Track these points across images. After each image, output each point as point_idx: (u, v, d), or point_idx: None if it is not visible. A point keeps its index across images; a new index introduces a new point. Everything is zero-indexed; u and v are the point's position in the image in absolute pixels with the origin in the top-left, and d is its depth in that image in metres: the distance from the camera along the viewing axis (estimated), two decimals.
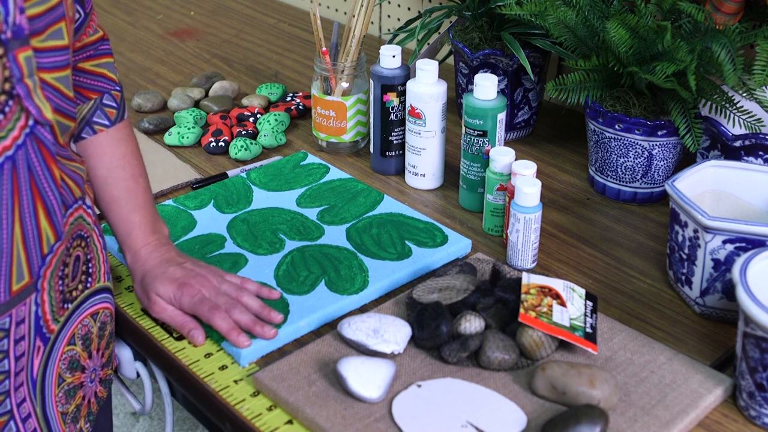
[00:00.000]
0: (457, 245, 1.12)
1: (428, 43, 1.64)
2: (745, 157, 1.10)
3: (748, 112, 1.10)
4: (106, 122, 0.99)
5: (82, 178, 0.91)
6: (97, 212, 1.00)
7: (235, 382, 0.92)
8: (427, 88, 1.21)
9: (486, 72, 1.35)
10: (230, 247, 1.12)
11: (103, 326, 0.97)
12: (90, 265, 0.94)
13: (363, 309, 1.03)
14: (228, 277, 1.00)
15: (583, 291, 0.98)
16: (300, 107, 1.49)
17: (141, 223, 1.01)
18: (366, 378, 0.87)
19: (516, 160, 1.12)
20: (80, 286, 0.92)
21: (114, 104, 1.00)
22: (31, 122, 0.80)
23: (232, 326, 0.95)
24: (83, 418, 0.95)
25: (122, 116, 1.01)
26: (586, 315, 0.95)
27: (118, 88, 1.01)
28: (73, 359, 0.92)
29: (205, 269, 1.00)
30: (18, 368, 0.85)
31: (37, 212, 0.82)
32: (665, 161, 1.20)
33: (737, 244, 0.96)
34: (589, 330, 0.93)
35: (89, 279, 0.94)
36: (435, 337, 0.92)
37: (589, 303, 0.97)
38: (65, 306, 0.90)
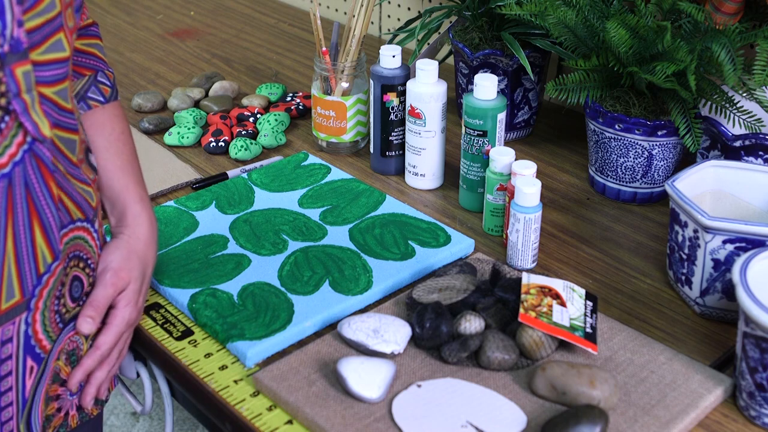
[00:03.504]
0: (461, 245, 1.12)
1: (428, 43, 1.64)
2: (745, 157, 1.10)
3: (748, 112, 1.10)
4: (101, 99, 0.99)
5: (88, 202, 0.90)
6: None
7: (235, 382, 0.92)
8: (427, 88, 1.21)
9: (486, 72, 1.35)
10: (233, 248, 1.12)
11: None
12: (92, 290, 0.93)
13: (367, 309, 1.03)
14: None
15: (583, 291, 0.98)
16: (300, 107, 1.49)
17: (145, 200, 0.99)
18: (366, 378, 0.87)
19: (516, 160, 1.12)
20: (78, 307, 0.91)
21: (108, 83, 1.00)
22: (29, 139, 0.78)
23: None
24: (52, 428, 0.92)
25: (116, 96, 1.01)
26: (586, 315, 0.95)
27: (110, 69, 1.01)
28: (56, 373, 0.90)
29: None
30: (4, 388, 0.83)
31: (33, 230, 0.80)
32: (665, 161, 1.20)
33: (737, 244, 0.96)
34: (589, 330, 0.93)
35: (84, 299, 0.92)
36: (435, 337, 0.92)
37: (589, 303, 0.97)
38: (62, 327, 0.88)
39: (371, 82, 1.28)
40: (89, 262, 0.91)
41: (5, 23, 0.73)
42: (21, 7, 0.74)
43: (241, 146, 1.35)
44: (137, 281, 0.95)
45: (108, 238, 0.98)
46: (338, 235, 1.14)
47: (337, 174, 1.29)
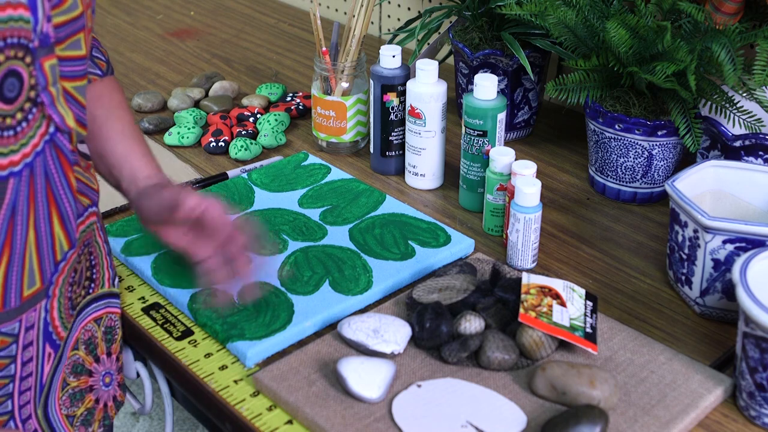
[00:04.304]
0: (460, 245, 1.12)
1: (428, 43, 1.64)
2: (745, 157, 1.10)
3: (748, 112, 1.10)
4: (99, 72, 1.01)
5: (90, 186, 0.92)
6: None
7: (235, 382, 0.92)
8: (427, 88, 1.21)
9: (486, 72, 1.35)
10: None
11: (109, 330, 0.97)
12: (94, 270, 0.94)
13: (367, 309, 1.03)
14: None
15: (583, 291, 0.98)
16: (300, 107, 1.49)
17: (150, 156, 1.02)
18: (366, 378, 0.87)
19: (516, 160, 1.12)
20: (83, 292, 0.92)
21: (103, 57, 1.02)
22: (51, 129, 0.80)
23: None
24: (97, 422, 0.95)
25: (112, 71, 1.03)
26: (586, 315, 0.95)
27: (103, 46, 1.03)
28: (77, 363, 0.92)
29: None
30: (25, 373, 0.85)
31: (51, 219, 0.82)
32: (665, 161, 1.20)
33: (737, 244, 0.96)
34: (589, 330, 0.93)
35: (92, 285, 0.94)
36: (435, 337, 0.92)
37: (589, 303, 0.97)
38: (72, 312, 0.90)
39: (371, 82, 1.27)
40: (91, 249, 0.93)
41: (37, 19, 0.75)
42: (50, 3, 0.76)
43: (241, 146, 1.35)
44: (193, 193, 0.98)
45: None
46: (338, 235, 1.14)
47: (337, 174, 1.29)
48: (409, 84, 1.23)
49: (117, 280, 1.00)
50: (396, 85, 1.26)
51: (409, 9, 1.79)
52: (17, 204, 0.78)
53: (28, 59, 0.75)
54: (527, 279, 0.97)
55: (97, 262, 0.95)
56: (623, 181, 1.23)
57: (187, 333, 0.99)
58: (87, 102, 0.98)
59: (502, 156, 1.13)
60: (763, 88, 1.11)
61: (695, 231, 0.98)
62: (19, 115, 0.76)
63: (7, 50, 0.73)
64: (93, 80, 1.00)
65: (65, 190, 0.83)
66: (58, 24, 0.78)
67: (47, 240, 0.82)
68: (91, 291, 0.94)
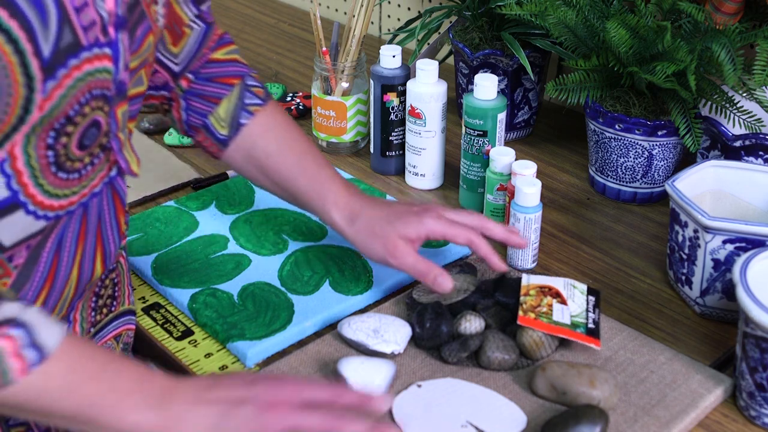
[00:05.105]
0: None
1: (428, 43, 1.64)
2: (745, 157, 1.10)
3: (748, 112, 1.10)
4: (259, 101, 0.99)
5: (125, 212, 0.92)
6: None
7: None
8: (427, 88, 1.21)
9: (486, 72, 1.35)
10: (233, 248, 1.12)
11: (126, 347, 0.97)
12: (116, 289, 0.94)
13: (367, 309, 1.03)
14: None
15: (584, 286, 0.98)
16: (300, 107, 1.50)
17: (336, 176, 1.01)
18: (366, 378, 0.87)
19: (516, 160, 1.12)
20: (105, 310, 0.92)
21: (258, 84, 1.01)
22: (113, 173, 0.80)
23: None
24: None
25: (269, 94, 1.02)
26: (588, 310, 0.95)
27: (253, 70, 1.02)
28: None
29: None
30: None
31: (95, 257, 0.82)
32: (665, 161, 1.20)
33: (737, 244, 0.96)
34: (591, 325, 0.93)
35: (114, 303, 0.94)
36: (435, 337, 0.92)
37: (591, 298, 0.97)
38: (89, 330, 0.90)
39: (371, 82, 1.28)
40: (116, 269, 0.92)
41: (118, 68, 0.74)
42: (129, 51, 0.76)
43: None
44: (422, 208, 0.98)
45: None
46: (338, 235, 1.14)
47: None
48: (409, 84, 1.23)
49: (133, 296, 1.00)
50: (396, 85, 1.26)
51: (409, 9, 1.79)
52: (64, 240, 0.77)
53: (106, 108, 0.75)
54: (527, 280, 0.97)
55: (119, 281, 0.94)
56: (623, 181, 1.23)
57: (187, 333, 0.99)
58: (258, 138, 0.97)
59: (502, 156, 1.13)
60: (763, 88, 1.11)
61: (695, 231, 0.98)
62: (86, 159, 0.76)
63: (93, 101, 0.73)
64: (256, 111, 0.98)
65: (113, 232, 0.83)
66: (132, 68, 0.78)
67: (87, 276, 0.82)
68: (113, 309, 0.94)
